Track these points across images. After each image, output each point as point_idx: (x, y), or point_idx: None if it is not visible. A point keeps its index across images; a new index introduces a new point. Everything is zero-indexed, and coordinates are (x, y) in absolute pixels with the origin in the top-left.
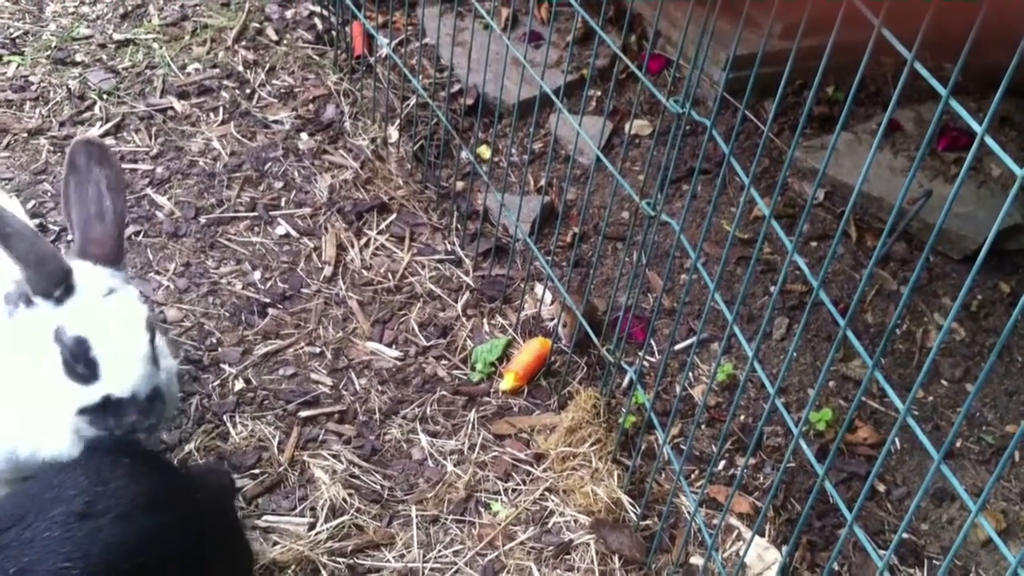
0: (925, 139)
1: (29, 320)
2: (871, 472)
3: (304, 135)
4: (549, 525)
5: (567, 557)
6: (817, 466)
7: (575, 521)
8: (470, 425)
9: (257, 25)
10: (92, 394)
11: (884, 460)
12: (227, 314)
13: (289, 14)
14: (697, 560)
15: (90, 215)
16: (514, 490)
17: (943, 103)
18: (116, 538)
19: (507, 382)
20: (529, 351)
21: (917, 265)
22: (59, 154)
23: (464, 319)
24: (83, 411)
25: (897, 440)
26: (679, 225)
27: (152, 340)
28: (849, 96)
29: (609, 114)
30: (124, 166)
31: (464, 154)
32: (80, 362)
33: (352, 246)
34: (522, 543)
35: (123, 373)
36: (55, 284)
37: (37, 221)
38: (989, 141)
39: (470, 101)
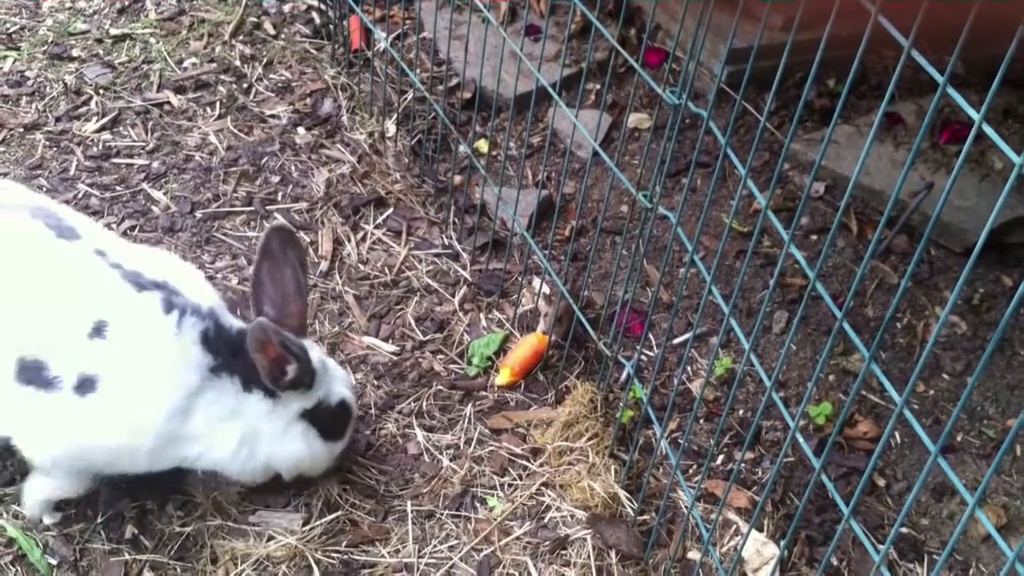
0: (922, 128)
1: (266, 409)
2: (868, 466)
3: (301, 129)
4: (545, 520)
5: (563, 552)
6: (814, 460)
7: (572, 516)
8: (466, 420)
9: (254, 19)
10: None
11: (883, 454)
12: None
13: (287, 8)
14: (695, 555)
15: (288, 293)
16: (510, 485)
17: (940, 91)
18: None
19: (503, 377)
20: (526, 346)
21: (916, 257)
22: (55, 149)
23: (461, 313)
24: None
25: (898, 434)
26: (676, 218)
27: None
28: (845, 88)
29: (608, 107)
30: (120, 161)
31: (462, 148)
32: (340, 420)
33: (349, 240)
34: (518, 538)
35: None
36: (312, 377)
37: None
38: (987, 129)
39: (468, 95)
